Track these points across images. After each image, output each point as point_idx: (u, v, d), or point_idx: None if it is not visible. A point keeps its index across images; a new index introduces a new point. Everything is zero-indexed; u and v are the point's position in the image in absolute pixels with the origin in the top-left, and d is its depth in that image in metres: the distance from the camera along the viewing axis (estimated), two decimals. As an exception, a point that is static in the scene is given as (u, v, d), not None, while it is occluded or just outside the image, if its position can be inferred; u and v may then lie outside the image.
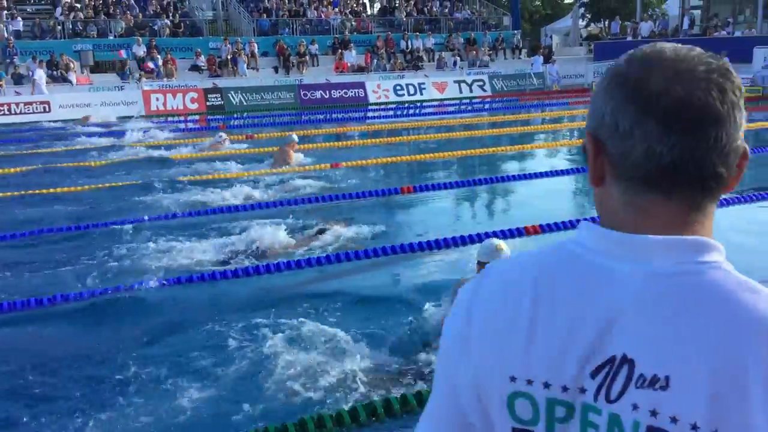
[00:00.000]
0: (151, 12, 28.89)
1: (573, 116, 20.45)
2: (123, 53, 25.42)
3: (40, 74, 22.73)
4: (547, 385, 0.97)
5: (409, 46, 30.03)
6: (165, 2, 29.69)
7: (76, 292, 6.05)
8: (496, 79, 28.16)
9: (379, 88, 26.14)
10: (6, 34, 24.97)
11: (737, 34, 27.18)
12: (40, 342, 5.19)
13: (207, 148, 13.69)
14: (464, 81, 27.56)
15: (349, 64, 27.87)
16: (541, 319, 0.98)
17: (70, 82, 23.65)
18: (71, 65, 24.16)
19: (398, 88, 26.35)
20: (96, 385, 4.48)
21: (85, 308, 5.80)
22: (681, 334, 0.89)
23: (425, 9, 34.09)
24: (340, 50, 28.36)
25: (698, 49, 0.98)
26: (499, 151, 13.83)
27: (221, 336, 5.05)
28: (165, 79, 24.90)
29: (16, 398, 4.34)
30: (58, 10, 26.99)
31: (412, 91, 26.39)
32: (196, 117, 22.45)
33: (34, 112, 21.61)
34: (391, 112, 23.04)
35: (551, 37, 36.15)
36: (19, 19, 26.22)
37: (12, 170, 12.27)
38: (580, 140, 15.23)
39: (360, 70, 27.89)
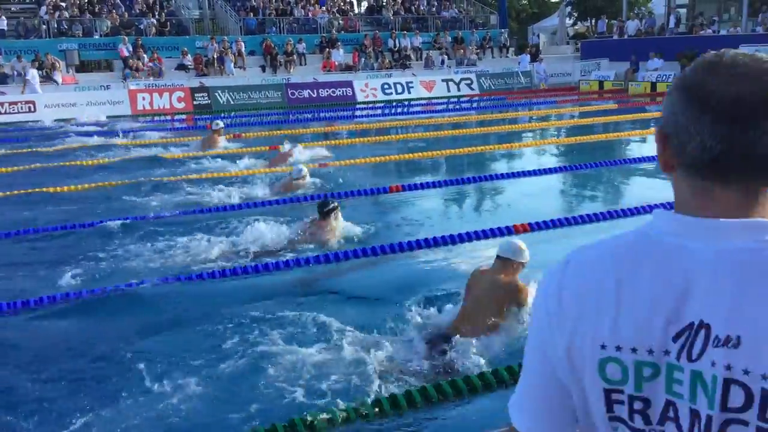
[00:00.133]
0: (137, 11, 28.71)
1: (560, 114, 20.52)
2: (125, 51, 25.22)
3: (33, 74, 22.58)
4: (634, 350, 1.13)
5: (397, 45, 30.01)
6: (151, 1, 29.51)
7: (75, 291, 6.02)
8: (484, 78, 28.21)
9: (366, 86, 26.12)
10: (-10, 33, 24.78)
11: (722, 32, 27.33)
12: (35, 342, 5.15)
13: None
14: (452, 80, 27.59)
15: (336, 63, 27.82)
16: (625, 295, 1.14)
17: (56, 81, 23.46)
18: (57, 65, 23.97)
19: (386, 86, 26.35)
20: (90, 384, 4.46)
21: (80, 307, 5.77)
22: (749, 301, 1.04)
23: (413, 8, 34.09)
24: (327, 49, 28.29)
25: (759, 55, 1.11)
26: (487, 150, 13.84)
27: (218, 335, 5.04)
28: (151, 78, 24.76)
29: (13, 398, 4.31)
30: (43, 9, 26.76)
31: (400, 89, 26.40)
32: (183, 116, 22.34)
33: (19, 112, 21.44)
34: (379, 111, 23.03)
35: (538, 35, 36.26)
36: (3, 18, 25.96)
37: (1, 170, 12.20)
38: (568, 139, 15.29)
39: (348, 68, 27.85)
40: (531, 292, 4.78)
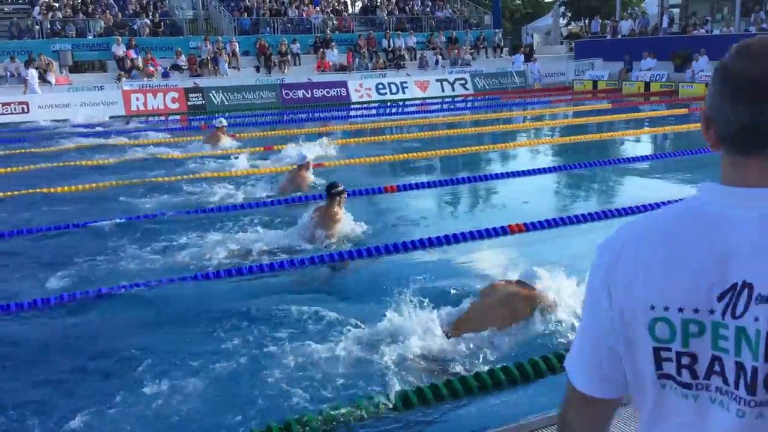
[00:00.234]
0: (131, 11, 28.64)
1: (554, 114, 20.55)
2: (133, 53, 25.27)
3: (33, 74, 22.54)
4: (680, 310, 1.25)
5: (391, 45, 30.01)
6: (145, 1, 29.44)
7: (75, 292, 6.01)
8: (478, 78, 28.24)
9: (361, 87, 26.12)
10: (-17, 34, 24.68)
11: (716, 32, 27.42)
12: (35, 343, 5.15)
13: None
14: (446, 80, 27.61)
15: (330, 63, 27.81)
16: (673, 260, 1.26)
17: (49, 82, 23.38)
18: (50, 65, 23.90)
19: (380, 87, 26.34)
20: (89, 384, 4.47)
21: (81, 308, 5.77)
22: None
23: (407, 8, 34.09)
24: (321, 49, 28.28)
25: None
26: (481, 150, 13.86)
27: (219, 335, 5.06)
28: (145, 78, 24.71)
29: (14, 399, 4.31)
30: (36, 9, 26.67)
31: (394, 89, 26.40)
32: (177, 117, 22.29)
33: (12, 113, 21.36)
34: (373, 111, 23.03)
35: (532, 35, 36.32)
36: (-4, 18, 25.91)
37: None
38: (562, 138, 15.32)
39: (342, 69, 27.85)
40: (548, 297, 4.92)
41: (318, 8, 31.96)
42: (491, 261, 6.33)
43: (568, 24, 46.41)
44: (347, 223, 7.51)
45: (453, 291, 5.51)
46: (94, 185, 10.70)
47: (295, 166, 10.28)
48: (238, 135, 16.45)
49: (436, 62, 29.45)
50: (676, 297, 1.25)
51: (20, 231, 8.09)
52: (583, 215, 8.02)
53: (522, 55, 30.55)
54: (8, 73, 22.95)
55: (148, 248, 7.25)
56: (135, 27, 27.35)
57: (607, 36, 31.35)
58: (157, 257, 7.01)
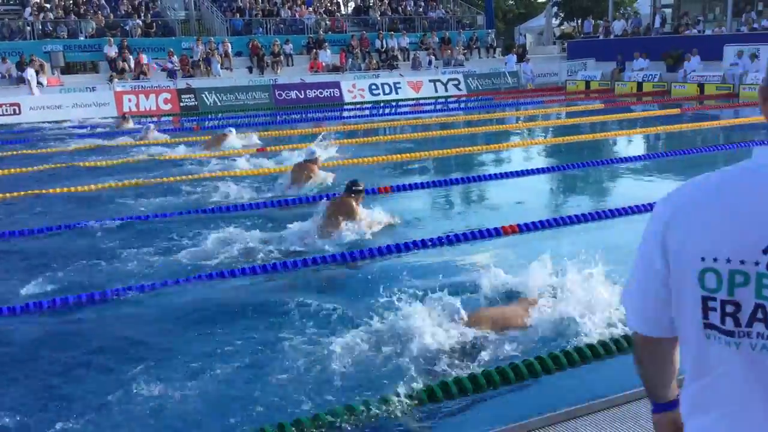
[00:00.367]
0: (123, 12, 28.55)
1: (547, 115, 20.58)
2: (146, 58, 25.35)
3: (32, 73, 22.51)
4: (728, 261, 1.39)
5: (384, 46, 30.01)
6: (136, 2, 29.35)
7: (86, 293, 5.98)
8: (471, 78, 28.26)
9: (354, 87, 26.11)
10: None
11: (708, 32, 27.52)
12: (38, 344, 5.11)
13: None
14: (439, 80, 27.63)
15: (323, 64, 27.79)
16: (725, 215, 1.40)
17: (41, 83, 23.29)
18: (42, 66, 23.79)
19: (373, 87, 26.34)
20: (90, 385, 4.44)
21: (85, 309, 5.75)
22: None
23: (399, 8, 34.09)
24: (314, 50, 28.26)
25: None
26: (475, 151, 13.86)
27: (226, 334, 5.06)
28: (137, 79, 24.64)
29: (16, 401, 4.30)
30: (27, 10, 26.57)
31: (387, 90, 26.40)
32: (170, 118, 22.23)
33: (4, 114, 21.27)
34: (366, 112, 23.01)
35: (525, 36, 36.38)
36: (-13, 19, 25.80)
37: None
38: (555, 139, 15.33)
39: (335, 69, 27.83)
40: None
41: (311, 9, 31.93)
42: (484, 262, 6.32)
43: (560, 24, 46.49)
44: (365, 218, 7.59)
45: (446, 293, 5.49)
46: (101, 186, 10.73)
47: (302, 161, 10.27)
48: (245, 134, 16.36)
49: (429, 63, 29.46)
50: (724, 249, 1.39)
51: (14, 232, 8.05)
52: (576, 216, 8.02)
53: (515, 56, 30.60)
54: (-1, 75, 22.89)
55: (147, 249, 7.23)
56: (127, 28, 27.28)
57: (600, 36, 31.42)
58: (157, 258, 6.99)
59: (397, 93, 26.43)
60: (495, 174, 11.10)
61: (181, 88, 24.14)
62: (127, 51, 25.51)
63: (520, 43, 34.89)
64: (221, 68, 26.37)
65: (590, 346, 4.42)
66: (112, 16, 27.82)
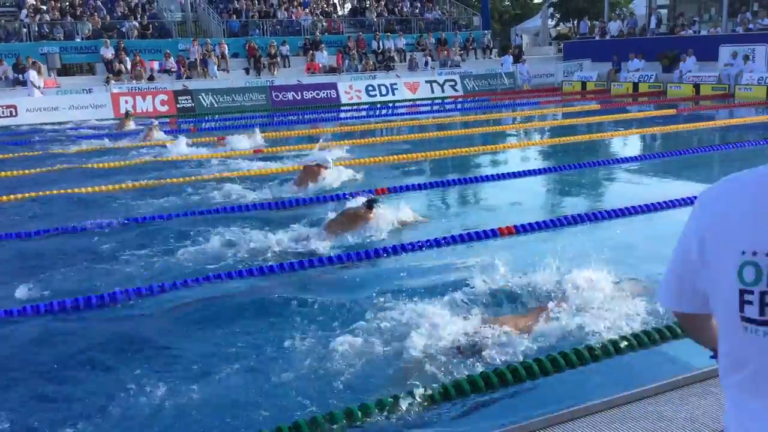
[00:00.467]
0: (119, 13, 28.54)
1: (544, 115, 20.62)
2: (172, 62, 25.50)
3: (33, 75, 22.52)
4: (767, 255, 1.45)
5: (381, 47, 30.04)
6: (133, 4, 29.35)
7: (96, 295, 5.99)
8: (468, 79, 28.31)
9: (351, 88, 26.14)
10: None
11: (703, 32, 27.59)
12: (39, 346, 5.11)
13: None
14: (436, 81, 27.67)
15: (320, 65, 27.81)
16: (762, 210, 1.46)
17: (38, 86, 23.27)
18: (39, 68, 23.78)
19: (370, 88, 26.37)
20: (92, 385, 4.46)
21: (90, 312, 5.76)
22: None
23: (396, 9, 34.13)
24: (311, 51, 28.28)
25: None
26: (471, 152, 13.88)
27: (225, 338, 5.07)
28: (134, 81, 24.64)
29: (17, 399, 4.32)
30: (24, 12, 26.55)
31: (384, 91, 26.43)
32: (167, 120, 22.23)
33: (0, 117, 21.25)
34: (363, 113, 23.03)
35: (521, 36, 36.43)
36: (-17, 21, 25.77)
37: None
38: (552, 140, 15.36)
39: (331, 70, 27.86)
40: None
41: (307, 10, 31.95)
42: (480, 264, 6.34)
43: (556, 25, 46.58)
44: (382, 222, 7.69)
45: (446, 295, 5.51)
46: (105, 188, 10.76)
47: (313, 163, 10.41)
48: (227, 138, 16.38)
49: (426, 64, 29.50)
50: (763, 243, 1.45)
51: (12, 234, 8.06)
52: (573, 217, 8.04)
53: (511, 57, 30.67)
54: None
55: (150, 251, 7.24)
56: (123, 29, 27.27)
57: (596, 37, 31.48)
58: (160, 259, 7.01)
59: (393, 94, 26.46)
60: (491, 175, 11.12)
61: (177, 89, 24.14)
62: (123, 53, 25.51)
63: (516, 44, 34.95)
64: (218, 70, 26.38)
65: (589, 348, 4.45)
66: (108, 17, 27.82)
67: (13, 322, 5.58)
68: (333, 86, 26.03)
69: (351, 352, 4.60)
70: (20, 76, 23.47)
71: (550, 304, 5.05)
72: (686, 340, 4.58)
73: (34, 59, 23.74)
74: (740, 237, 1.48)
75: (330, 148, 12.69)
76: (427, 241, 7.28)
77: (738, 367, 1.55)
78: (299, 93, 25.41)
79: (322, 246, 7.17)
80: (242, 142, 14.87)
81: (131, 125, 18.75)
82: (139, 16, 28.64)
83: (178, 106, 23.52)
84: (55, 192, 10.44)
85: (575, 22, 41.17)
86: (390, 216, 7.88)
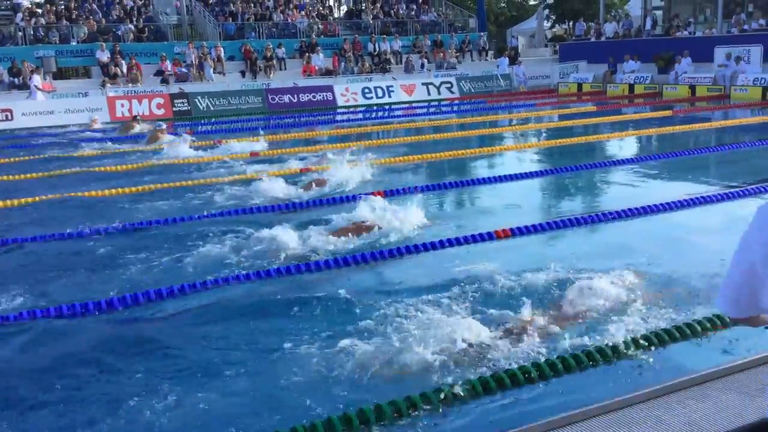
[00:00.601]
0: (115, 17, 28.52)
1: (540, 117, 20.64)
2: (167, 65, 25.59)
3: (37, 79, 22.56)
4: None
5: (377, 49, 30.06)
6: (129, 7, 29.33)
7: (107, 299, 5.99)
8: (464, 81, 28.33)
9: (347, 91, 26.14)
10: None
11: (698, 34, 27.65)
12: (55, 349, 5.11)
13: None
14: (432, 83, 27.68)
15: (316, 68, 27.81)
16: None
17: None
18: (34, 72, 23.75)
19: (366, 91, 26.37)
20: (102, 387, 4.46)
21: (98, 314, 5.76)
22: None
23: (392, 12, 34.16)
24: (307, 54, 28.28)
25: None
26: (468, 154, 13.88)
27: (231, 343, 5.07)
28: (130, 84, 24.61)
29: (28, 404, 4.31)
30: (19, 15, 26.51)
31: (380, 93, 26.44)
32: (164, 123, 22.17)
33: (-5, 120, 21.23)
34: (360, 115, 23.03)
35: (517, 38, 36.45)
36: (-22, 25, 25.73)
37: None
38: (548, 142, 15.37)
39: (328, 73, 27.86)
40: None
41: (303, 12, 31.96)
42: (477, 267, 6.34)
43: (552, 27, 46.62)
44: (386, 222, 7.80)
45: (446, 297, 5.51)
46: (123, 190, 10.78)
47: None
48: (223, 141, 16.36)
49: (422, 66, 29.52)
50: None
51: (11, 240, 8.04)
52: (570, 220, 8.04)
53: (507, 58, 30.70)
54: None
55: (157, 255, 7.23)
56: (119, 33, 27.25)
57: (591, 38, 31.53)
58: (162, 263, 6.99)
59: (390, 96, 26.47)
60: (487, 178, 11.11)
61: (173, 92, 24.12)
62: (119, 56, 25.48)
63: (512, 46, 34.98)
64: (214, 73, 26.36)
65: (586, 352, 4.44)
66: (104, 21, 27.79)
67: (21, 324, 5.57)
68: (329, 89, 26.04)
69: (350, 356, 4.59)
70: (16, 79, 23.42)
71: (548, 310, 5.05)
72: (684, 344, 4.60)
73: (36, 65, 23.76)
74: None
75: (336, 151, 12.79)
76: (423, 244, 7.26)
77: None
78: (295, 96, 25.40)
79: (330, 249, 7.20)
80: (253, 145, 15.05)
81: (137, 128, 18.81)
82: (134, 19, 28.62)
83: (174, 109, 23.49)
84: (65, 195, 10.46)
85: (571, 24, 41.22)
86: (396, 222, 7.86)
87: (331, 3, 36.55)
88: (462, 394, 4.06)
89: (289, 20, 30.93)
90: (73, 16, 27.49)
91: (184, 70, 25.76)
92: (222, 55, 27.20)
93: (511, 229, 7.67)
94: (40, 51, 25.00)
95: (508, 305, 5.37)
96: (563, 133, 16.45)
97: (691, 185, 10.09)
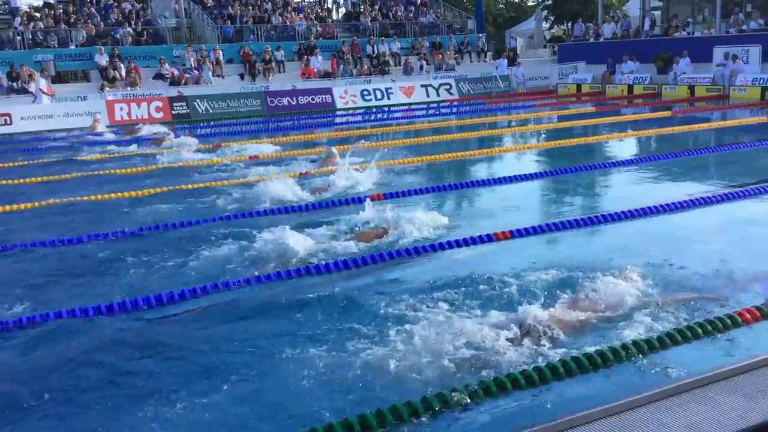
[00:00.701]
0: (113, 20, 28.52)
1: (539, 118, 20.64)
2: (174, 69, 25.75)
3: (43, 83, 22.60)
4: None
5: (375, 51, 30.07)
6: (127, 10, 29.33)
7: (119, 302, 5.99)
8: (463, 83, 28.34)
9: (346, 93, 26.15)
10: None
11: (697, 34, 27.67)
12: (64, 352, 5.11)
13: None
14: (431, 85, 27.69)
15: (315, 70, 27.82)
16: None
17: (32, 93, 23.23)
18: (33, 76, 23.74)
19: (365, 93, 26.38)
20: (121, 392, 4.45)
21: (108, 318, 5.76)
22: None
23: (390, 14, 34.17)
24: (306, 56, 28.28)
25: None
26: (467, 156, 13.87)
27: (239, 346, 5.08)
28: (129, 88, 24.60)
29: (38, 405, 4.31)
30: (17, 19, 26.50)
31: (379, 96, 26.45)
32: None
33: (-6, 125, 21.23)
34: (359, 118, 23.03)
35: (515, 39, 36.49)
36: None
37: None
38: (548, 143, 15.38)
39: (326, 75, 27.86)
40: None
41: (301, 15, 31.98)
42: (479, 268, 6.33)
43: (551, 28, 46.65)
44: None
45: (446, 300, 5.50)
46: (134, 193, 10.80)
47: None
48: (222, 144, 16.36)
49: (421, 67, 29.53)
50: None
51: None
52: (569, 221, 8.03)
53: (506, 60, 30.72)
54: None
55: (164, 258, 7.24)
56: (117, 36, 27.25)
57: (590, 39, 31.55)
58: (171, 267, 7.00)
59: (389, 98, 26.48)
60: (487, 180, 11.11)
61: (172, 96, 24.12)
62: (118, 59, 25.49)
63: (510, 47, 35.01)
64: (213, 75, 26.36)
65: (587, 356, 4.43)
66: (102, 24, 27.78)
67: (27, 328, 5.58)
68: (328, 91, 26.05)
69: (352, 360, 4.58)
70: (15, 84, 23.42)
71: (549, 312, 5.03)
72: (686, 346, 4.59)
73: (36, 69, 23.77)
74: None
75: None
76: (423, 247, 7.25)
77: None
78: (294, 98, 25.41)
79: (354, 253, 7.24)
80: (265, 147, 15.24)
81: (142, 131, 18.87)
82: (133, 22, 28.63)
83: (173, 112, 23.50)
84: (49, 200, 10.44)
85: (569, 25, 41.25)
86: (408, 227, 7.85)
87: (330, 5, 36.58)
88: (463, 398, 4.05)
89: (288, 23, 30.94)
90: (72, 20, 27.49)
91: (195, 72, 25.77)
92: (221, 58, 27.21)
93: (511, 231, 7.66)
94: (38, 55, 25.01)
95: (508, 308, 5.36)
96: (562, 134, 16.46)
97: (690, 186, 10.08)
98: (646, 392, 3.67)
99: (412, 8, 34.99)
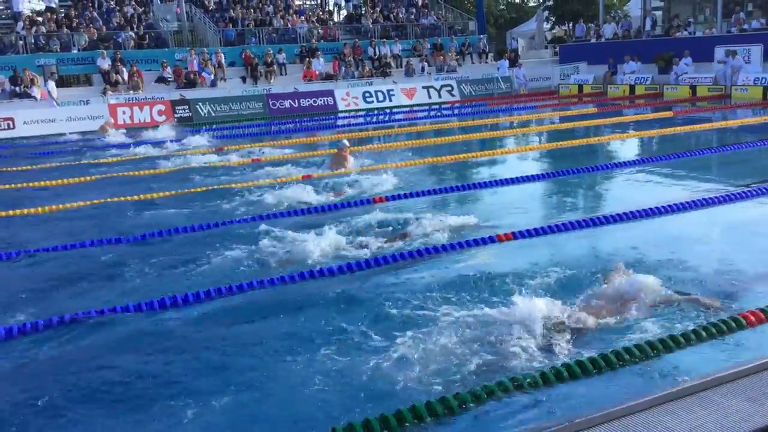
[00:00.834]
0: (115, 24, 28.57)
1: (541, 119, 20.64)
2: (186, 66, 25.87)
3: (52, 86, 22.69)
4: None
5: (377, 53, 30.08)
6: (129, 14, 29.38)
7: (133, 304, 6.02)
8: (465, 84, 28.35)
9: (348, 95, 26.17)
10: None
11: (698, 34, 27.64)
12: (74, 356, 5.13)
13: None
14: (433, 86, 27.70)
15: (317, 72, 27.84)
16: None
17: (34, 97, 23.28)
18: (35, 80, 23.80)
19: (367, 95, 26.40)
20: (128, 398, 4.47)
21: (117, 323, 5.78)
22: None
23: (391, 15, 34.19)
24: (307, 58, 28.30)
25: None
26: (469, 158, 13.88)
27: (250, 349, 5.10)
28: (131, 91, 24.65)
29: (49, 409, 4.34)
30: (20, 24, 26.56)
31: (381, 97, 26.47)
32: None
33: (-2, 129, 21.28)
34: (361, 120, 23.04)
35: (517, 40, 36.47)
36: (-21, 34, 25.79)
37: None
38: (550, 144, 15.37)
39: (328, 78, 27.88)
40: None
41: (303, 18, 32.00)
42: (479, 269, 6.33)
43: (552, 28, 46.62)
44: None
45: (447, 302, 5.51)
46: (147, 195, 10.89)
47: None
48: (225, 147, 16.38)
49: (422, 69, 29.53)
50: None
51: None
52: (571, 223, 8.03)
53: (507, 61, 30.71)
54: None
55: (159, 264, 7.24)
56: (120, 40, 27.29)
57: (591, 40, 31.54)
58: (166, 272, 7.02)
59: (390, 100, 26.50)
60: (489, 181, 11.11)
61: (174, 99, 24.16)
62: (120, 63, 25.54)
63: (512, 48, 35.00)
64: (215, 79, 26.39)
65: (591, 359, 4.43)
66: (104, 28, 27.83)
67: (38, 331, 5.60)
68: (330, 93, 26.07)
69: (354, 363, 4.59)
70: (17, 88, 23.46)
71: (552, 316, 5.04)
72: (689, 349, 4.59)
73: (38, 73, 23.87)
74: None
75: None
76: (426, 249, 7.26)
77: None
78: (296, 101, 25.44)
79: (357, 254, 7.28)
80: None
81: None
82: (135, 26, 28.66)
83: (176, 115, 23.53)
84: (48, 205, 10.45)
85: (570, 25, 41.23)
86: (426, 230, 7.88)
87: (331, 8, 36.61)
88: (466, 401, 4.06)
89: (289, 25, 30.97)
90: (74, 24, 27.53)
91: (210, 76, 25.84)
92: (223, 61, 27.24)
93: (513, 233, 7.67)
94: (41, 59, 25.06)
95: (511, 310, 5.36)
96: (564, 134, 16.45)
97: (693, 187, 10.07)
98: (650, 396, 3.67)
99: (414, 10, 35.00)
